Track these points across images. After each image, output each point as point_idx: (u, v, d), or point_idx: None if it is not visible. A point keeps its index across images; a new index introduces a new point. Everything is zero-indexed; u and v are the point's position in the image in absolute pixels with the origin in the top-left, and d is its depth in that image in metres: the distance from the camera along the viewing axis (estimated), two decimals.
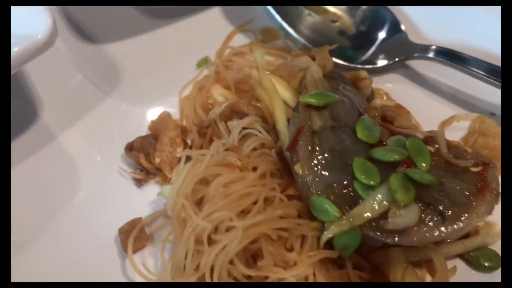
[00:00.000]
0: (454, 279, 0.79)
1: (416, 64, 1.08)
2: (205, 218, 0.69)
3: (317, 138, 0.73)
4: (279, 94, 0.83)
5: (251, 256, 0.71)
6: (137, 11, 1.11)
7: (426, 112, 1.00)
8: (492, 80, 0.93)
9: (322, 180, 0.70)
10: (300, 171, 0.71)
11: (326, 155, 0.72)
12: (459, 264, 0.82)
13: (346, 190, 0.69)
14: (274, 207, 0.69)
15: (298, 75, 0.90)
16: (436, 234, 0.67)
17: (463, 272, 0.81)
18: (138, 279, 0.76)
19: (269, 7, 1.07)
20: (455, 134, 0.94)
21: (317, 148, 0.72)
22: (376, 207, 0.67)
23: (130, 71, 1.02)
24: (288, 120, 0.80)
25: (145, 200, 0.85)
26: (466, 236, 0.81)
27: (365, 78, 0.91)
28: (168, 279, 0.73)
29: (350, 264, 0.71)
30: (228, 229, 0.68)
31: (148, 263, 0.79)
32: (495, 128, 0.88)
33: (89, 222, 0.83)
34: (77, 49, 1.02)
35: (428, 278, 0.79)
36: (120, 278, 0.77)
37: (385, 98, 1.00)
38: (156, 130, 0.90)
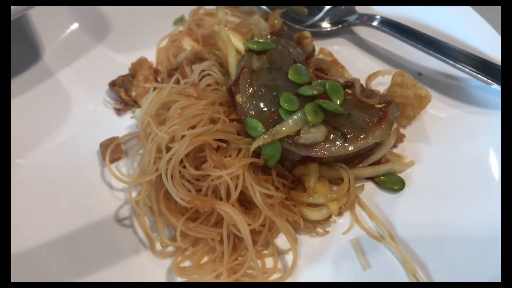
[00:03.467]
0: (364, 195, 1.00)
1: (362, 31, 1.28)
2: (164, 131, 0.89)
3: (255, 75, 0.93)
4: (233, 44, 1.04)
5: (200, 163, 0.92)
6: None
7: (361, 68, 1.19)
8: (430, 51, 1.10)
9: (255, 107, 0.91)
10: (240, 99, 0.92)
11: (260, 88, 0.93)
12: (370, 186, 1.03)
13: (273, 115, 0.90)
14: (216, 124, 0.90)
15: (252, 31, 1.10)
16: (337, 149, 0.88)
17: (373, 192, 1.01)
18: (114, 181, 0.97)
19: None
20: (381, 88, 1.14)
21: (254, 83, 0.93)
22: (292, 126, 0.87)
23: (119, 24, 1.22)
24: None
25: (123, 125, 1.06)
26: (377, 163, 1.02)
27: (307, 37, 1.11)
28: (135, 180, 0.94)
29: (275, 172, 0.92)
30: (181, 139, 0.89)
31: (122, 170, 1.00)
32: (411, 81, 1.08)
33: (78, 139, 1.04)
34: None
35: None
36: (99, 181, 0.98)
37: (326, 51, 1.20)
38: (135, 70, 1.11)
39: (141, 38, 1.21)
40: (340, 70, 1.11)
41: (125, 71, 1.14)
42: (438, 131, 1.09)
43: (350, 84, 1.01)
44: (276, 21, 1.11)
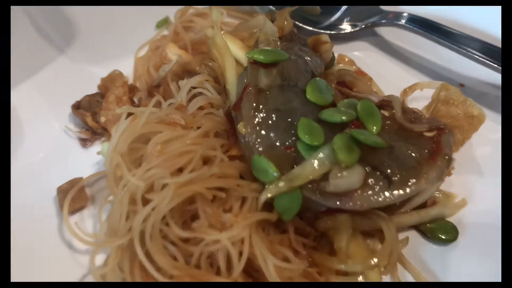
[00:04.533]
0: (406, 250, 0.77)
1: (386, 32, 1.05)
2: (139, 177, 0.65)
3: (262, 96, 0.69)
4: (231, 53, 0.79)
5: (191, 218, 0.68)
6: None
7: (392, 80, 0.97)
8: (470, 53, 0.89)
9: (264, 140, 0.66)
10: (243, 130, 0.67)
11: (270, 114, 0.68)
12: (414, 235, 0.79)
13: (289, 151, 0.66)
14: (210, 165, 0.65)
15: (255, 35, 0.86)
16: (381, 198, 0.64)
17: (418, 244, 0.78)
18: (74, 241, 0.72)
19: None
20: (418, 103, 0.90)
21: (262, 107, 0.68)
22: (317, 168, 0.63)
23: (87, 29, 0.98)
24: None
25: (89, 161, 0.82)
26: (423, 206, 0.78)
27: (325, 41, 0.87)
28: (102, 240, 0.69)
29: (292, 229, 0.68)
30: (163, 188, 0.64)
31: (87, 224, 0.76)
32: (459, 96, 0.84)
33: (29, 181, 0.79)
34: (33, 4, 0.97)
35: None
36: (55, 239, 0.73)
37: (349, 65, 0.97)
38: (105, 88, 0.86)
39: (115, 45, 0.97)
40: (368, 83, 0.87)
41: (93, 89, 0.89)
42: (491, 157, 0.86)
43: (386, 104, 0.77)
44: (285, 22, 0.87)
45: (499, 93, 0.95)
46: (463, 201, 0.80)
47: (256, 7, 1.04)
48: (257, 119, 0.67)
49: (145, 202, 0.65)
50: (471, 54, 0.91)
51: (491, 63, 0.89)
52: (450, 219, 0.80)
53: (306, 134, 0.65)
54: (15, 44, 0.90)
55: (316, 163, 0.63)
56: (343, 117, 0.68)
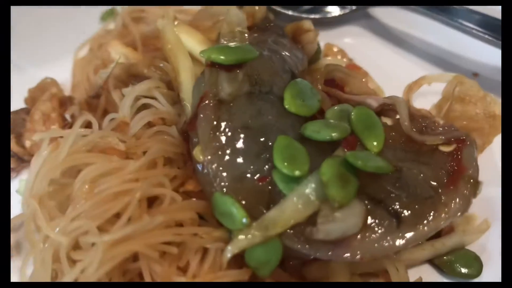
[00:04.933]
0: None
1: (382, 13, 0.88)
2: (63, 229, 0.48)
3: (225, 110, 0.52)
4: (186, 52, 0.62)
5: (139, 275, 0.51)
6: None
7: (392, 73, 0.81)
8: (481, 34, 0.74)
9: (229, 170, 0.49)
10: (201, 157, 0.50)
11: (237, 134, 0.51)
12: (428, 271, 0.63)
13: (262, 183, 0.49)
14: (156, 211, 0.48)
15: (219, 26, 0.68)
16: (388, 244, 0.47)
17: (432, 279, 0.62)
18: None
19: None
20: (426, 100, 0.74)
21: (225, 125, 0.51)
22: (301, 208, 0.46)
23: (14, 26, 0.79)
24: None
25: (15, 196, 0.64)
26: (438, 234, 0.62)
27: (308, 29, 0.69)
28: None
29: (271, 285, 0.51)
30: (94, 244, 0.47)
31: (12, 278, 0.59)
32: (477, 91, 0.68)
33: None
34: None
35: None
36: None
37: (339, 57, 0.79)
38: (34, 102, 0.69)
39: (49, 44, 0.79)
40: (363, 80, 0.70)
41: (19, 103, 0.71)
42: None
43: (388, 109, 0.60)
44: (257, 8, 0.69)
45: None
46: (486, 223, 0.64)
47: None
48: (218, 142, 0.50)
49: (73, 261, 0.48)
50: (476, 32, 0.75)
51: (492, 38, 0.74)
52: (470, 247, 0.64)
53: (285, 160, 0.48)
54: None
55: (299, 201, 0.46)
56: (333, 134, 0.51)
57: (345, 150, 0.50)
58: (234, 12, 0.63)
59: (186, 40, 0.66)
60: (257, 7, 0.70)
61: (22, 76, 0.75)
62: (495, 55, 0.78)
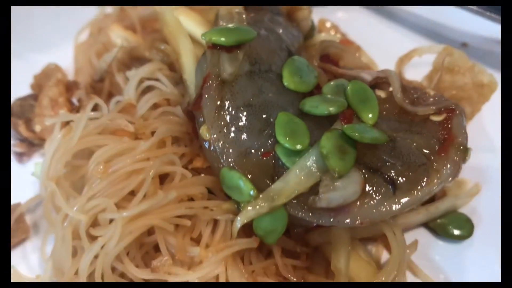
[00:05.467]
0: (416, 252, 0.65)
1: None
2: (80, 207, 0.51)
3: (227, 89, 0.54)
4: (186, 33, 0.64)
5: (154, 248, 0.55)
6: None
7: (384, 45, 0.83)
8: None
9: (235, 147, 0.52)
10: (207, 135, 0.53)
11: (240, 112, 0.54)
12: (423, 233, 0.67)
13: (267, 158, 0.52)
14: (169, 187, 0.51)
15: (215, 7, 0.70)
16: (385, 209, 0.51)
17: (428, 244, 0.66)
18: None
19: None
20: (417, 71, 0.77)
21: (228, 104, 0.54)
22: (303, 179, 0.50)
23: (14, 10, 0.80)
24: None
25: (28, 179, 0.67)
26: (431, 199, 0.66)
27: (302, 8, 0.71)
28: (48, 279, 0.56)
29: (279, 251, 0.55)
30: (111, 221, 0.51)
31: (32, 260, 0.62)
32: (465, 62, 0.71)
33: None
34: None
35: (385, 255, 0.64)
36: None
37: (332, 32, 0.82)
38: (40, 88, 0.71)
39: (50, 29, 0.80)
40: (357, 55, 0.73)
41: (25, 89, 0.73)
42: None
43: (381, 82, 0.63)
44: None
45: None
46: (477, 187, 0.68)
47: None
48: (223, 121, 0.53)
49: (92, 238, 0.52)
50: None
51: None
52: (462, 210, 0.68)
53: (287, 135, 0.51)
54: None
55: (301, 173, 0.50)
56: (331, 108, 0.54)
57: (343, 123, 0.53)
58: None
59: (185, 22, 0.67)
60: None
61: (25, 62, 0.76)
62: (483, 25, 0.80)
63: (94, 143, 0.55)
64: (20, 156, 0.69)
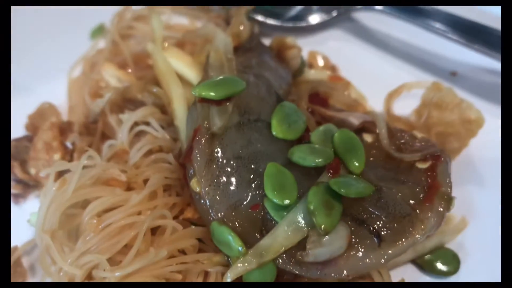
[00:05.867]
0: None
1: (364, 17, 0.90)
2: (75, 262, 0.53)
3: (217, 142, 0.56)
4: (177, 80, 0.65)
5: None
6: None
7: (374, 76, 0.84)
8: (454, 37, 0.78)
9: (224, 200, 0.54)
10: (197, 188, 0.55)
11: (229, 164, 0.55)
12: (410, 269, 0.69)
13: (255, 211, 0.54)
14: (160, 243, 0.53)
15: (206, 48, 0.71)
16: (370, 262, 0.52)
17: (415, 280, 0.68)
18: None
19: None
20: (406, 103, 0.78)
21: (218, 156, 0.55)
22: (291, 235, 0.51)
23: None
24: None
25: (23, 220, 0.68)
26: None
27: (292, 46, 0.72)
28: None
29: None
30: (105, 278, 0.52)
31: None
32: (453, 98, 0.72)
33: None
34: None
35: None
36: None
37: (321, 61, 0.82)
38: (34, 128, 0.72)
39: (43, 65, 0.81)
40: (346, 93, 0.74)
41: (19, 128, 0.74)
42: (493, 163, 0.75)
43: (369, 127, 0.64)
44: (241, 28, 0.72)
45: (497, 80, 0.83)
46: (464, 222, 0.70)
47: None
48: (213, 174, 0.54)
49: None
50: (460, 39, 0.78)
51: (486, 50, 0.77)
52: (449, 245, 0.70)
53: (275, 190, 0.53)
54: None
55: (289, 229, 0.51)
56: (317, 160, 0.55)
57: (329, 174, 0.55)
58: (220, 38, 0.66)
59: (176, 63, 0.69)
60: (241, 27, 0.73)
61: (19, 99, 0.77)
62: (472, 55, 0.81)
63: (87, 196, 0.56)
64: (16, 197, 0.70)
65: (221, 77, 0.60)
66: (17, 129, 0.74)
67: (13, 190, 0.70)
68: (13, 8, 0.82)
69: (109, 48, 0.79)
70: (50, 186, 0.58)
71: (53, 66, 0.81)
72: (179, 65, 0.69)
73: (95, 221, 0.53)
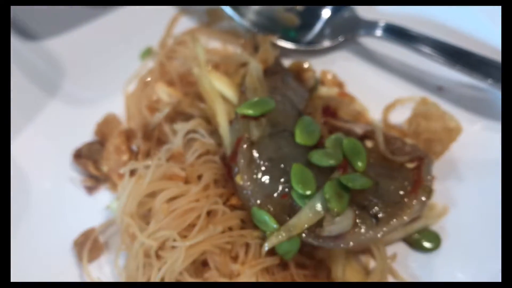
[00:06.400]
0: (396, 261, 0.85)
1: (366, 40, 1.07)
2: (151, 236, 0.71)
3: (255, 148, 0.74)
4: (220, 99, 0.83)
5: (202, 262, 0.75)
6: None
7: (374, 91, 1.00)
8: (440, 60, 0.94)
9: (261, 191, 0.72)
10: (241, 182, 0.73)
11: (265, 164, 0.74)
12: (401, 246, 0.87)
13: (285, 199, 0.72)
14: (215, 222, 0.71)
15: (240, 71, 0.89)
16: (370, 236, 0.71)
17: (405, 255, 0.85)
18: None
19: None
20: (401, 114, 0.95)
21: (256, 159, 0.74)
22: (312, 216, 0.69)
23: (72, 68, 0.99)
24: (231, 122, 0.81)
25: (97, 207, 0.86)
26: None
27: (308, 70, 0.91)
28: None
29: (293, 264, 0.75)
30: (174, 246, 0.71)
31: (106, 270, 0.82)
32: (437, 110, 0.90)
33: (44, 234, 0.84)
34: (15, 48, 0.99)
35: (372, 263, 0.84)
36: None
37: (329, 77, 1.00)
38: (102, 134, 0.90)
39: (103, 82, 0.99)
40: (351, 107, 0.92)
41: (90, 134, 0.92)
42: (470, 161, 0.92)
43: (369, 135, 0.82)
44: (268, 54, 0.90)
45: (476, 93, 1.00)
46: (445, 209, 0.88)
47: (238, 25, 1.05)
48: (253, 171, 0.73)
49: (159, 257, 0.72)
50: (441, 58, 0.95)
51: (467, 70, 0.94)
52: (433, 227, 0.88)
53: (299, 183, 0.71)
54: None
55: (310, 212, 0.70)
56: (331, 161, 0.74)
57: (340, 172, 0.73)
58: (253, 66, 0.84)
59: (218, 84, 0.87)
60: (269, 54, 0.91)
61: (88, 110, 0.94)
62: (454, 72, 0.99)
63: (158, 187, 0.74)
64: (90, 189, 0.88)
65: (256, 98, 0.78)
66: (88, 134, 0.93)
67: (87, 183, 0.89)
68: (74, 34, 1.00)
69: (158, 69, 0.97)
70: (127, 180, 0.76)
71: (111, 82, 0.99)
72: (219, 85, 0.87)
73: (165, 205, 0.72)
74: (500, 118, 0.95)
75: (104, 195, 0.88)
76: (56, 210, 0.87)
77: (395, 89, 1.01)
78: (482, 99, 0.99)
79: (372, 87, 1.01)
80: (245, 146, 0.74)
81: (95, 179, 0.89)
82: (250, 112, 0.75)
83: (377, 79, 1.04)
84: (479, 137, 0.94)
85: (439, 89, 1.02)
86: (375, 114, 0.96)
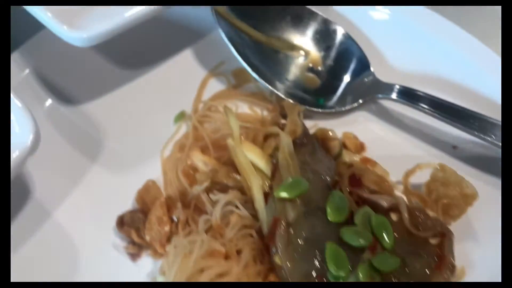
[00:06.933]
0: None
1: (383, 101, 1.12)
2: None
3: (292, 228, 0.81)
4: (255, 173, 0.89)
5: None
6: (110, 63, 1.13)
7: (394, 152, 1.06)
8: (442, 118, 1.02)
9: (298, 271, 0.79)
10: (279, 262, 0.80)
11: (301, 244, 0.80)
12: None
13: (321, 280, 0.79)
14: None
15: (270, 142, 0.95)
16: None
17: None
18: None
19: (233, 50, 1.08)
20: (420, 177, 1.01)
21: (293, 239, 0.80)
22: None
23: (109, 134, 1.06)
24: (265, 197, 0.87)
25: (142, 272, 0.92)
26: None
27: (333, 139, 0.97)
28: None
29: None
30: None
31: None
32: (455, 177, 0.96)
33: None
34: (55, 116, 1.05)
35: None
36: None
37: (351, 139, 1.05)
38: (143, 202, 0.96)
39: (139, 148, 1.05)
40: (374, 172, 0.98)
41: (130, 200, 0.99)
42: (487, 223, 0.97)
43: (394, 208, 0.89)
44: (296, 126, 0.96)
45: (488, 152, 1.07)
46: (462, 271, 0.94)
47: (264, 88, 1.10)
48: (290, 253, 0.79)
49: None
50: (459, 125, 1.01)
51: (477, 134, 1.00)
52: None
53: (334, 264, 0.78)
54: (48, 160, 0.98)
55: None
56: (362, 241, 0.80)
57: (370, 252, 0.80)
58: (284, 141, 0.91)
59: (250, 155, 0.93)
60: (297, 125, 0.97)
61: (126, 177, 1.01)
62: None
63: (201, 266, 0.81)
64: (133, 256, 0.94)
65: (290, 180, 0.84)
66: (129, 201, 0.99)
67: (131, 251, 0.95)
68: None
69: (192, 138, 1.03)
70: (172, 257, 0.83)
71: (147, 146, 1.05)
72: (252, 156, 0.93)
73: None
74: None
75: (147, 261, 0.93)
76: (103, 280, 0.91)
77: (413, 149, 1.08)
78: (494, 157, 1.04)
79: (390, 147, 1.07)
80: (282, 228, 0.80)
81: (138, 246, 0.95)
82: (285, 195, 0.81)
83: (394, 137, 1.09)
84: (493, 196, 1.01)
85: (453, 148, 1.08)
86: (395, 176, 1.02)
